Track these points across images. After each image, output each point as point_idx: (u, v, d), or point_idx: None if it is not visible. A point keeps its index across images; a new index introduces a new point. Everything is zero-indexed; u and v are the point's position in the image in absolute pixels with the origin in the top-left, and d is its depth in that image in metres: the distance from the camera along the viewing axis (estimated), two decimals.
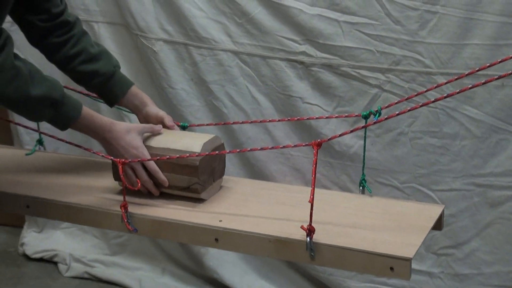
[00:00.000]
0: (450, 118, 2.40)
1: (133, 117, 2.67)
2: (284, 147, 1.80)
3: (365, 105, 2.48)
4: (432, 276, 2.56)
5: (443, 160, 2.45)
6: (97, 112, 2.82)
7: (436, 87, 1.86)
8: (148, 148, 1.83)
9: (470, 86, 1.55)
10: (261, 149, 1.78)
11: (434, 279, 2.56)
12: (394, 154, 2.51)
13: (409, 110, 1.62)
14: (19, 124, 2.25)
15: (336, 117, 2.23)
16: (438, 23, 2.33)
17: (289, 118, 2.37)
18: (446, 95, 1.57)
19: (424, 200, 2.47)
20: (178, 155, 1.78)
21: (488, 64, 1.59)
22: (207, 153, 1.79)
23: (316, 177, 1.60)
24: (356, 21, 2.43)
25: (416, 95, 1.90)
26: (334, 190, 2.53)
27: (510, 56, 1.67)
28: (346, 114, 2.08)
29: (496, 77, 1.51)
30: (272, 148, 1.87)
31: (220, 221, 1.72)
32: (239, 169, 2.73)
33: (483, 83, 1.52)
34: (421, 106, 1.60)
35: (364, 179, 1.90)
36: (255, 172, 2.70)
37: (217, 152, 1.82)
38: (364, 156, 1.91)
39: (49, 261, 3.10)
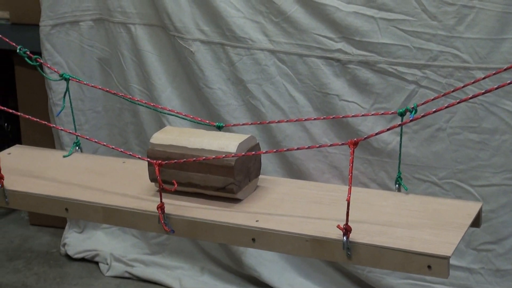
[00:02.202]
0: (489, 113, 2.38)
1: (172, 119, 2.71)
2: (320, 146, 1.80)
3: (402, 101, 2.47)
4: (472, 272, 2.54)
5: (483, 155, 2.43)
6: (136, 112, 2.88)
7: (474, 82, 1.85)
8: (184, 149, 1.84)
9: (509, 81, 1.52)
10: (297, 148, 1.78)
11: (474, 275, 2.54)
12: (432, 150, 2.49)
13: (446, 107, 1.61)
14: (57, 127, 2.27)
15: (372, 114, 2.22)
16: (475, 18, 2.32)
17: (324, 117, 2.36)
18: (484, 90, 1.55)
19: (463, 196, 2.46)
20: (214, 156, 1.78)
21: None
22: (242, 153, 1.79)
23: (354, 174, 1.60)
24: (393, 17, 2.42)
25: (453, 91, 1.88)
26: (372, 188, 2.54)
27: None
28: (382, 112, 2.07)
29: None
30: (309, 148, 1.86)
31: (257, 221, 1.72)
32: (278, 167, 2.73)
33: None
34: (458, 102, 1.59)
35: (400, 177, 1.88)
36: (294, 170, 2.70)
37: (253, 152, 1.83)
38: (400, 153, 1.89)
39: (91, 261, 3.14)
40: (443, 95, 1.85)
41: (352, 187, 1.60)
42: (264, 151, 1.80)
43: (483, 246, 2.51)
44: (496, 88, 1.54)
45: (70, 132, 2.18)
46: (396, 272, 2.63)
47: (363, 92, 2.53)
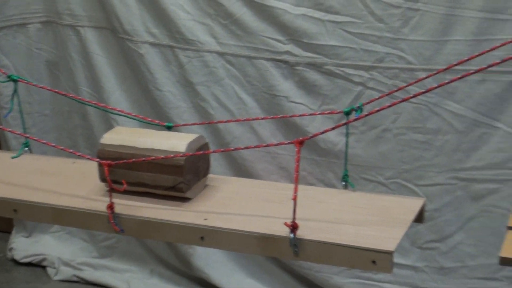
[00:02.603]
0: (432, 114, 2.43)
1: (121, 119, 2.70)
2: (267, 145, 1.82)
3: (349, 102, 2.50)
4: (417, 270, 2.58)
5: (427, 155, 2.47)
6: (85, 114, 2.85)
7: (417, 81, 1.90)
8: (134, 149, 1.85)
9: (448, 80, 1.56)
10: (245, 148, 1.80)
11: (419, 273, 2.58)
12: (378, 151, 2.53)
13: (388, 106, 1.63)
14: (5, 129, 2.26)
15: (319, 114, 2.26)
16: (420, 20, 2.36)
17: (272, 116, 2.38)
18: (426, 89, 1.59)
19: (408, 195, 2.48)
20: (163, 156, 1.79)
21: (466, 58, 1.64)
22: (192, 153, 1.80)
23: (302, 175, 1.62)
24: (340, 20, 2.45)
25: (396, 91, 1.91)
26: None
27: (489, 49, 1.71)
28: (329, 111, 2.10)
29: (472, 71, 1.53)
30: (256, 146, 1.87)
31: (205, 219, 1.73)
32: (227, 169, 2.74)
33: (460, 78, 1.54)
34: (401, 101, 1.61)
35: (346, 175, 1.90)
36: (242, 171, 2.71)
37: (201, 152, 1.84)
38: (346, 152, 1.92)
39: (38, 265, 3.11)
40: (386, 95, 1.87)
41: (299, 186, 1.62)
42: (213, 151, 1.81)
43: (427, 244, 2.55)
44: (437, 87, 1.57)
45: (18, 134, 2.16)
46: (344, 272, 2.66)
47: (311, 94, 2.56)
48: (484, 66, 1.52)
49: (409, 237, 2.52)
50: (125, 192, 1.80)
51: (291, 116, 2.34)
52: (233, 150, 2.01)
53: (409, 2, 2.35)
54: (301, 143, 1.65)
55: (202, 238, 1.71)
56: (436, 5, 2.33)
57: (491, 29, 2.29)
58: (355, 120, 1.73)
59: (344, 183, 1.91)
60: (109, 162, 1.79)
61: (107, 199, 1.78)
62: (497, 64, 1.50)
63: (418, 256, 2.57)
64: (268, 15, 2.52)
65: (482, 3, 2.28)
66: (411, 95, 1.59)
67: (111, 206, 1.76)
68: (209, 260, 2.84)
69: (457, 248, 2.52)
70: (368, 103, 1.85)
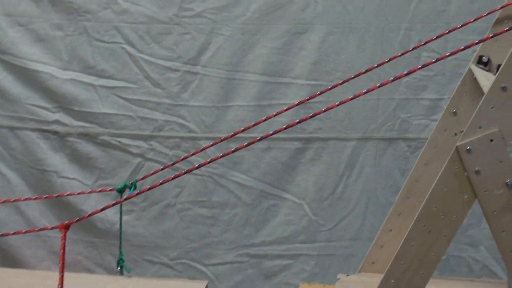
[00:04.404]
0: (218, 186, 2.32)
1: None
2: (26, 232, 1.56)
3: (127, 176, 2.34)
4: None
5: (214, 231, 2.35)
6: None
7: (199, 151, 1.74)
8: None
9: (233, 149, 1.43)
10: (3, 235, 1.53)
11: None
12: (162, 228, 2.36)
13: (168, 180, 1.43)
14: None
15: (88, 192, 2.02)
16: (200, 85, 2.26)
17: (36, 197, 2.12)
18: (210, 159, 1.44)
19: (197, 276, 2.34)
20: None
21: (251, 124, 1.54)
22: None
23: (77, 259, 1.41)
24: (114, 85, 2.29)
25: (176, 162, 1.73)
26: (99, 273, 2.34)
27: (272, 115, 1.60)
28: (100, 189, 1.88)
29: (258, 138, 1.40)
30: (15, 234, 1.60)
31: None
32: None
33: (246, 146, 1.41)
34: (184, 173, 1.45)
35: (121, 259, 1.74)
36: (8, 258, 2.41)
37: None
38: (120, 233, 1.77)
39: None
40: (167, 167, 1.71)
41: (70, 274, 1.47)
42: None
43: None
44: (221, 157, 1.44)
45: None
46: None
47: (85, 168, 2.36)
48: (271, 133, 1.41)
49: None
50: None
51: (57, 196, 2.10)
52: None
53: (188, 65, 2.26)
54: (66, 227, 1.45)
55: None
56: (216, 69, 2.25)
57: (273, 93, 2.25)
58: (126, 199, 1.52)
59: (119, 268, 1.75)
60: None
61: None
62: (283, 130, 1.41)
63: None
64: (32, 80, 2.30)
65: (263, 66, 2.23)
66: (195, 166, 1.44)
67: None
68: None
69: None
70: (142, 178, 1.67)
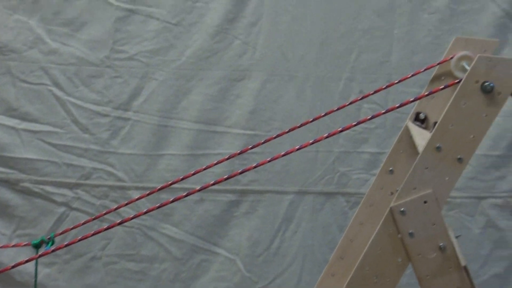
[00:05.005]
0: (148, 239, 2.23)
1: None
2: None
3: (50, 226, 2.23)
4: None
5: (142, 287, 2.25)
6: None
7: (129, 203, 1.62)
8: None
9: (165, 201, 1.35)
10: None
11: None
12: (86, 283, 2.26)
13: (79, 240, 1.33)
14: None
15: (1, 247, 1.90)
16: (131, 131, 2.18)
17: None
18: (142, 211, 1.34)
19: None
20: None
21: (182, 177, 1.45)
22: None
23: None
24: (38, 129, 2.20)
25: (99, 217, 1.61)
26: None
27: (206, 167, 1.51)
28: (14, 244, 1.75)
29: (194, 190, 1.30)
30: None
31: None
32: None
33: (181, 198, 1.32)
34: (112, 226, 1.35)
35: None
36: None
37: None
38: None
39: None
40: (93, 219, 1.58)
41: None
42: None
43: None
44: (153, 209, 1.33)
45: None
46: None
47: (4, 216, 2.25)
48: (205, 185, 1.32)
49: None
50: None
51: None
52: None
53: (119, 110, 2.18)
54: None
55: None
56: (148, 115, 2.18)
57: (208, 142, 2.19)
58: (41, 255, 1.40)
59: None
60: None
61: None
62: (216, 183, 1.32)
63: None
64: None
65: (197, 113, 2.17)
66: (125, 219, 1.34)
67: None
68: None
69: None
70: (62, 233, 1.55)
